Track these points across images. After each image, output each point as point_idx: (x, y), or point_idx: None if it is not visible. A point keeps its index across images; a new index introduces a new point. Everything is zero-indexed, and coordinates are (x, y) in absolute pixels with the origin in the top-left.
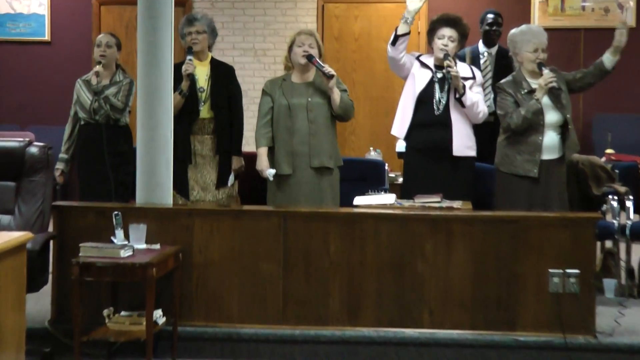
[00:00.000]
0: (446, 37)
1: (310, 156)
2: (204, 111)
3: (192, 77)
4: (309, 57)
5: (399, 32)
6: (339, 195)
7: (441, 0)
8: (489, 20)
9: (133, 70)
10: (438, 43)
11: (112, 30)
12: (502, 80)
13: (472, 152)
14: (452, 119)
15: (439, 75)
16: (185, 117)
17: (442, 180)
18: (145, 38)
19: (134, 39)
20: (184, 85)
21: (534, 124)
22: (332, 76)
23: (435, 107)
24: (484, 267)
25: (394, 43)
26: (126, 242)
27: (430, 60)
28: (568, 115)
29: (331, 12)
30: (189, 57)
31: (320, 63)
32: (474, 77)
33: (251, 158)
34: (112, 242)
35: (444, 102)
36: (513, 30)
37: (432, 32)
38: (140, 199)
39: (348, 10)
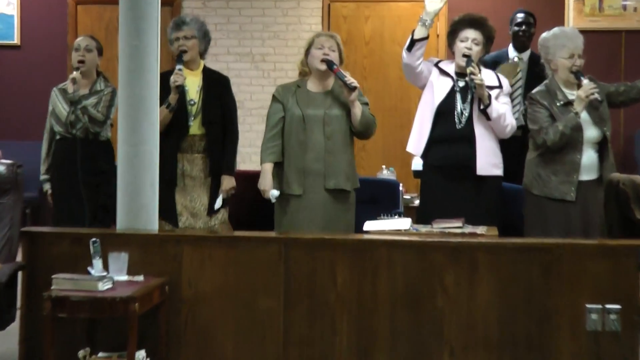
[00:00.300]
0: (469, 39)
1: (326, 176)
2: (195, 127)
3: (181, 89)
4: (329, 64)
5: (416, 36)
6: (354, 222)
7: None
8: (518, 20)
9: (114, 78)
10: (460, 46)
11: (90, 33)
12: (535, 90)
13: (499, 171)
14: (476, 134)
15: (461, 83)
16: (173, 133)
17: (465, 202)
18: (128, 42)
19: (115, 42)
20: (172, 98)
21: (572, 140)
22: (354, 88)
23: (456, 119)
24: (512, 301)
25: (410, 48)
26: (105, 274)
27: (451, 67)
28: (608, 132)
29: (338, 12)
30: (178, 67)
31: (342, 72)
32: (500, 86)
33: (247, 177)
34: (89, 273)
35: (466, 114)
36: (544, 34)
37: (453, 34)
38: (122, 224)
39: (358, 10)
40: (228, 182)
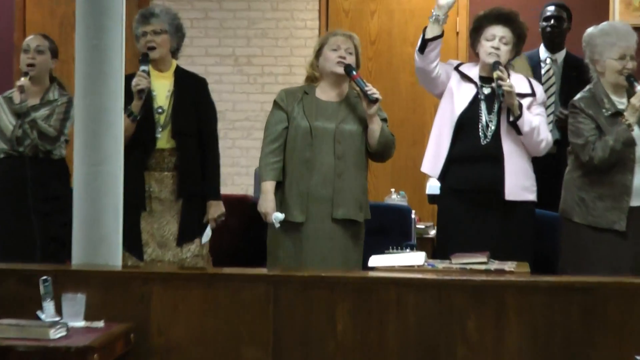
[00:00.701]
0: (497, 37)
1: (334, 204)
2: (163, 140)
3: (145, 95)
4: (348, 69)
5: (428, 35)
6: (362, 260)
7: None
8: (547, 14)
9: (70, 85)
10: (486, 46)
11: (41, 30)
12: (578, 97)
13: (531, 196)
14: (505, 151)
15: (486, 90)
16: (138, 148)
17: (491, 233)
18: (86, 41)
19: (71, 42)
20: (135, 105)
21: (623, 158)
22: (376, 100)
23: (481, 134)
24: (546, 351)
25: (422, 50)
26: (58, 319)
27: (474, 71)
28: None
29: (339, 6)
30: (142, 67)
31: (362, 80)
32: (533, 94)
33: (231, 203)
34: (38, 318)
35: (492, 127)
36: (590, 30)
37: (477, 31)
38: (79, 258)
39: (362, 3)
40: (216, 209)
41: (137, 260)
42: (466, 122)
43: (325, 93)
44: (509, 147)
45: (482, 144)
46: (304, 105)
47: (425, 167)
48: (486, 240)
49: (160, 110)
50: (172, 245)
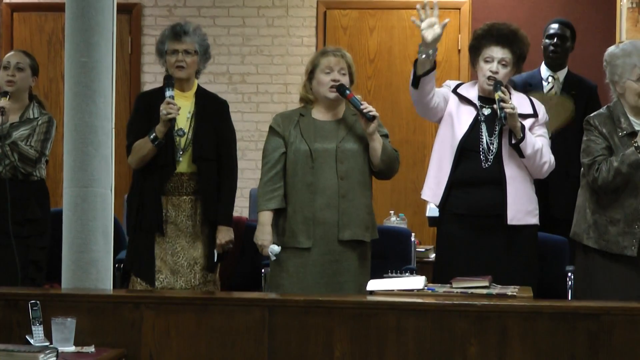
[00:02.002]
0: (495, 60)
1: (340, 226)
2: (184, 164)
3: (173, 122)
4: (341, 89)
5: (420, 71)
6: (369, 279)
7: (489, 9)
8: (550, 32)
9: (58, 103)
10: (484, 69)
11: (29, 47)
12: (594, 114)
13: (534, 219)
14: (507, 174)
15: (487, 111)
16: (155, 172)
17: (493, 258)
18: (76, 58)
19: (60, 59)
20: (160, 130)
21: (634, 181)
22: (373, 118)
23: (482, 157)
24: None
25: (415, 85)
26: (47, 344)
27: (473, 92)
28: None
29: (337, 22)
30: (168, 93)
31: (358, 99)
32: (535, 114)
33: (236, 227)
34: (27, 342)
35: (494, 150)
36: (611, 49)
37: (476, 50)
38: (68, 282)
39: (361, 19)
40: (225, 235)
41: (148, 287)
42: (467, 146)
43: (321, 114)
44: (511, 170)
45: (484, 167)
46: (301, 127)
47: (426, 195)
48: (488, 266)
49: (181, 132)
50: (186, 272)
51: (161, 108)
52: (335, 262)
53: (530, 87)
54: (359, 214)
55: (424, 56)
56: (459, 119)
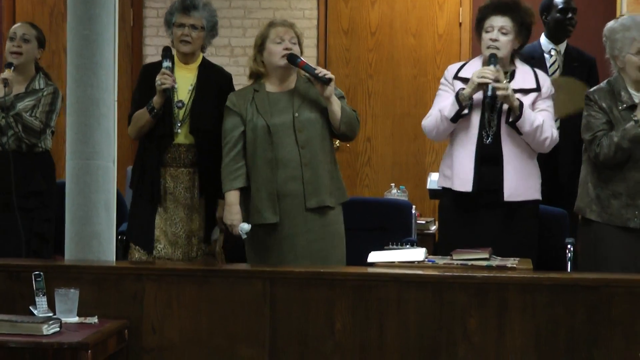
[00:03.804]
0: (495, 28)
1: (306, 195)
2: (182, 135)
3: (169, 93)
4: (292, 58)
5: (463, 108)
6: (344, 246)
7: None
8: (561, 5)
9: (61, 76)
10: (485, 39)
11: (31, 19)
12: (594, 88)
13: (535, 195)
14: (504, 152)
15: (488, 90)
16: (155, 142)
17: (492, 234)
18: (78, 31)
19: (62, 32)
20: (157, 101)
21: (635, 155)
22: (329, 80)
23: (484, 134)
24: (549, 351)
25: (455, 119)
26: (51, 314)
27: (475, 67)
28: None
29: None
30: (165, 64)
31: (310, 64)
32: (538, 89)
33: None
34: (31, 313)
35: (494, 127)
36: (611, 24)
37: (479, 24)
38: (71, 254)
39: None
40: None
41: (146, 254)
42: (471, 124)
43: (274, 86)
44: (509, 148)
45: (485, 143)
46: (257, 103)
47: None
48: (486, 240)
49: (180, 104)
50: (183, 243)
51: (157, 78)
52: (307, 232)
53: (533, 60)
54: (323, 180)
55: (467, 95)
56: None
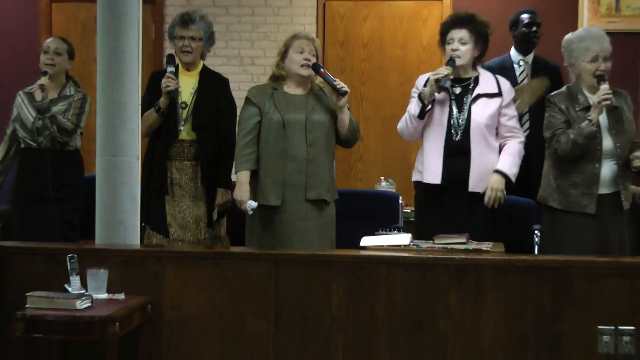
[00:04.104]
0: (455, 40)
1: (307, 187)
2: (184, 132)
3: (173, 94)
4: (316, 67)
5: (427, 104)
6: (334, 234)
7: (468, 1)
8: (526, 21)
9: (91, 83)
10: (447, 50)
11: (65, 34)
12: (555, 92)
13: None
14: (472, 148)
15: (457, 90)
16: (161, 139)
17: (459, 219)
18: (106, 43)
19: (93, 44)
20: (163, 102)
21: (590, 150)
22: (345, 93)
23: (453, 131)
24: (520, 324)
25: (422, 116)
26: (83, 292)
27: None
28: (623, 146)
29: (334, 12)
30: (169, 69)
31: (330, 75)
32: (500, 93)
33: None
34: (66, 291)
35: (463, 124)
36: (568, 36)
37: (442, 37)
38: (100, 239)
39: (355, 9)
40: (223, 196)
41: (163, 239)
42: (441, 124)
43: (291, 89)
44: (476, 144)
45: (455, 140)
46: (275, 100)
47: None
48: (455, 225)
49: (183, 105)
50: (192, 227)
51: (162, 82)
52: (304, 220)
53: (505, 70)
54: (323, 177)
55: (435, 93)
56: (438, 105)
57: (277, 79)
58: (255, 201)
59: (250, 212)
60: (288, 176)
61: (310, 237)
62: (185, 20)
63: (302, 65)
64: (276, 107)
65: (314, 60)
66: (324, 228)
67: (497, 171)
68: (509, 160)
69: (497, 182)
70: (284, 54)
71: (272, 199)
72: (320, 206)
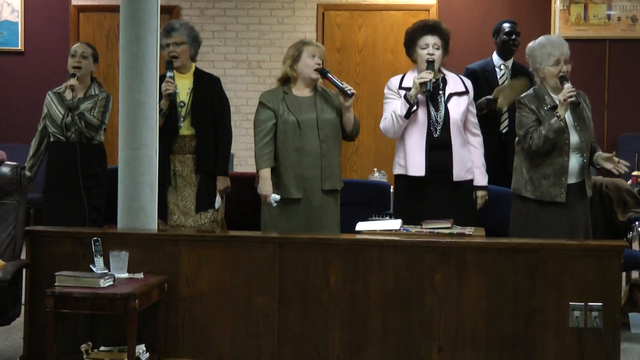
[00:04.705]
0: (430, 45)
1: (323, 179)
2: (184, 128)
3: (172, 97)
4: (324, 72)
5: (412, 106)
6: (340, 218)
7: (452, 9)
8: (507, 30)
9: (115, 84)
10: (422, 54)
11: (91, 40)
12: (524, 94)
13: (470, 175)
14: (453, 141)
15: (428, 85)
16: (164, 135)
17: (441, 206)
18: (128, 48)
19: (116, 49)
20: (163, 104)
21: (559, 144)
22: (352, 94)
23: (432, 128)
24: (499, 300)
25: (408, 115)
26: (106, 271)
27: (412, 77)
28: (587, 139)
29: (332, 21)
30: (168, 74)
31: (337, 79)
32: (467, 91)
33: (244, 180)
34: (91, 270)
35: (441, 121)
36: (531, 44)
37: (411, 43)
38: (122, 224)
39: (351, 18)
40: (223, 182)
41: (163, 223)
42: (420, 122)
43: (300, 91)
44: (455, 137)
45: (435, 136)
46: (287, 103)
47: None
48: (438, 212)
49: (182, 104)
50: (193, 214)
51: (162, 86)
52: (320, 208)
53: (487, 73)
54: (334, 169)
55: (418, 95)
56: (419, 105)
57: (286, 81)
58: (278, 194)
59: (274, 205)
60: (305, 170)
61: (324, 222)
62: (167, 29)
63: (315, 70)
64: (289, 109)
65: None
66: (335, 214)
67: (479, 187)
68: (481, 172)
69: (484, 195)
70: (296, 58)
71: (294, 192)
72: (333, 195)
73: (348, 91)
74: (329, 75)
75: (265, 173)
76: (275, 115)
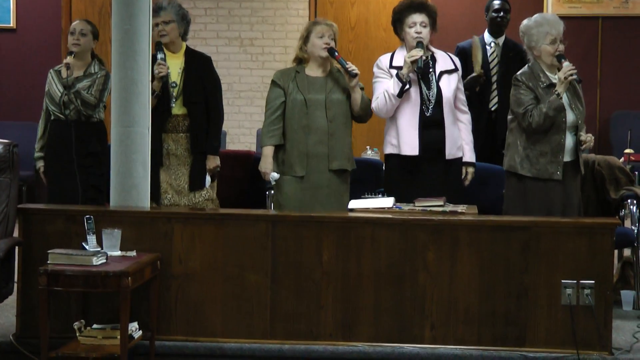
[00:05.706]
0: (417, 23)
1: (329, 158)
2: (177, 108)
3: (165, 79)
4: (332, 51)
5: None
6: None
7: None
8: (496, 7)
9: (107, 61)
10: (410, 32)
11: (83, 17)
12: (520, 72)
13: (460, 153)
14: (445, 119)
15: (419, 63)
16: (157, 115)
17: (435, 183)
18: (120, 26)
19: (108, 26)
20: (156, 85)
21: (557, 122)
22: (356, 74)
23: (424, 107)
24: (491, 278)
25: (401, 94)
26: (99, 249)
27: (402, 55)
28: (581, 118)
29: None
30: (159, 56)
31: (344, 59)
32: (457, 68)
33: (236, 157)
34: (83, 248)
35: (433, 99)
36: (525, 22)
37: (399, 22)
38: (115, 202)
39: None
40: (212, 162)
41: (157, 206)
42: (413, 101)
43: (313, 71)
44: (447, 115)
45: (427, 115)
46: (298, 82)
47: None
48: (431, 189)
49: (174, 84)
50: (187, 192)
51: (154, 68)
52: (326, 187)
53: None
54: (343, 149)
55: (410, 74)
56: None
57: (301, 61)
58: (277, 172)
59: (273, 183)
60: (311, 147)
61: (329, 203)
62: (156, 9)
63: (324, 49)
64: (299, 88)
65: (332, 44)
66: (342, 195)
67: (468, 163)
68: (470, 149)
69: (473, 172)
70: (306, 38)
71: (298, 169)
72: (341, 175)
73: (352, 71)
74: (336, 54)
75: (268, 150)
76: (285, 93)
